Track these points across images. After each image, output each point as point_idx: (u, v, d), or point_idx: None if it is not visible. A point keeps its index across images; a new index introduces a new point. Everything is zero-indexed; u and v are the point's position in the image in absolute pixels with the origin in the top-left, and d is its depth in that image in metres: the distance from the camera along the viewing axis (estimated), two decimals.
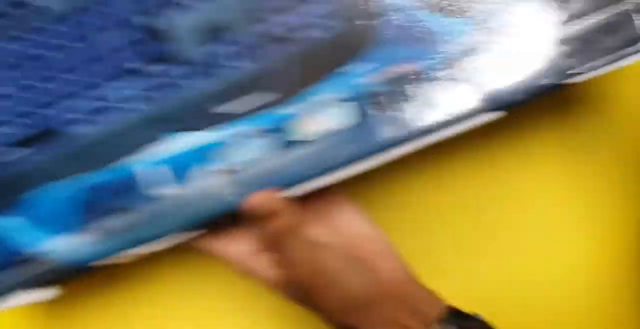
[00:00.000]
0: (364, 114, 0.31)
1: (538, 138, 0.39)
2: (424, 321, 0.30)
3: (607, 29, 0.30)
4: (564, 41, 0.30)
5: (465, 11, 0.31)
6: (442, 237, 0.39)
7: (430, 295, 0.31)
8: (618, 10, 0.30)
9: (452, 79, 0.31)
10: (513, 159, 0.39)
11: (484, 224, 0.39)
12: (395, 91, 0.31)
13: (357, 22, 0.31)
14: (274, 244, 0.31)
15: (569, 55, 0.30)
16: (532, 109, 0.39)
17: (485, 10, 0.31)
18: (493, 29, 0.31)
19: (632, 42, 0.30)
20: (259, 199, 0.31)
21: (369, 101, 0.31)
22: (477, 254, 0.39)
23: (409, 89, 0.31)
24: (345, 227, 0.33)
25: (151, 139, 0.32)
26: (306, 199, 0.32)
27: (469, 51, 0.31)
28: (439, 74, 0.31)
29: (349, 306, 0.30)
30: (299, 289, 0.31)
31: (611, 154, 0.39)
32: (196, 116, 0.32)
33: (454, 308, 0.31)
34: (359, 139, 0.31)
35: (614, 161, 0.39)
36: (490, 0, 0.31)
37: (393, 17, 0.31)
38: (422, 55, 0.31)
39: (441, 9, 0.31)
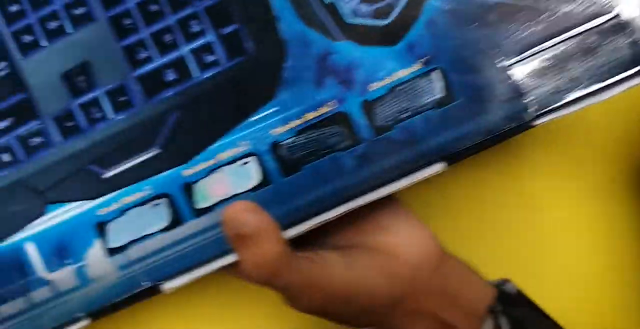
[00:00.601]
0: (280, 172, 0.26)
1: (552, 144, 0.37)
2: (471, 314, 0.27)
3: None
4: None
5: (392, 38, 0.25)
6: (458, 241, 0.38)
7: (475, 280, 0.28)
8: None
9: (388, 122, 0.25)
10: (527, 164, 0.38)
11: (496, 227, 0.38)
12: (317, 141, 0.26)
13: (261, 57, 0.26)
14: (261, 280, 0.26)
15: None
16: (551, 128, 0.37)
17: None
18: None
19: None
20: (233, 213, 0.25)
21: (286, 155, 0.26)
22: (490, 259, 0.37)
23: (335, 137, 0.26)
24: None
25: (37, 212, 0.27)
26: None
27: (401, 88, 0.25)
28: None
29: (372, 317, 0.27)
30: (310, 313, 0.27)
31: (626, 159, 0.37)
32: (83, 183, 0.27)
33: (501, 291, 0.28)
34: (275, 203, 0.26)
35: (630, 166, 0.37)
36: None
37: (306, 50, 0.26)
38: (345, 95, 0.25)
39: (362, 37, 0.25)
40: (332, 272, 0.26)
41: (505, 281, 0.30)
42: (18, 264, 0.28)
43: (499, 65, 0.25)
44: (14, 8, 0.27)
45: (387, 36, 0.25)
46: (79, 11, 0.26)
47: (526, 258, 0.37)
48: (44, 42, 0.27)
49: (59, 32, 0.27)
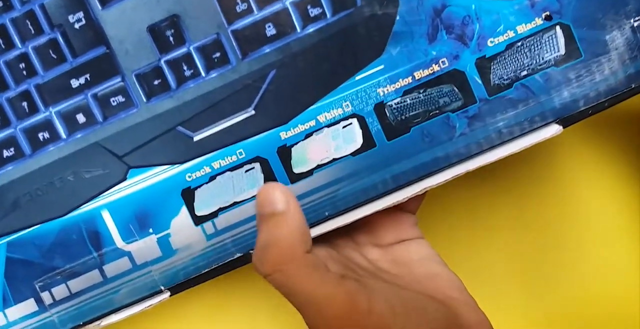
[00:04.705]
0: (384, 134, 0.25)
1: (595, 156, 0.36)
2: None
3: None
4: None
5: None
6: (500, 256, 0.37)
7: None
8: None
9: (504, 80, 0.24)
10: (573, 177, 0.36)
11: (542, 242, 0.37)
12: (426, 101, 0.24)
13: (370, 9, 0.24)
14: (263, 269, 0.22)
15: None
16: (590, 123, 0.35)
17: None
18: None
19: None
20: (265, 190, 0.23)
21: (391, 117, 0.25)
22: (535, 275, 0.37)
23: (444, 98, 0.24)
24: (417, 265, 0.26)
25: (118, 177, 0.25)
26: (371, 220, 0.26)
27: (522, 43, 0.24)
28: (485, 76, 0.24)
29: None
30: None
31: None
32: (170, 146, 0.25)
33: None
34: (377, 167, 0.25)
35: None
36: None
37: (420, 1, 0.24)
38: (459, 51, 0.24)
39: None
40: (380, 295, 0.23)
41: None
42: (93, 234, 0.26)
43: (627, 22, 0.24)
44: None
45: None
46: None
47: (582, 277, 0.36)
48: None
49: None
